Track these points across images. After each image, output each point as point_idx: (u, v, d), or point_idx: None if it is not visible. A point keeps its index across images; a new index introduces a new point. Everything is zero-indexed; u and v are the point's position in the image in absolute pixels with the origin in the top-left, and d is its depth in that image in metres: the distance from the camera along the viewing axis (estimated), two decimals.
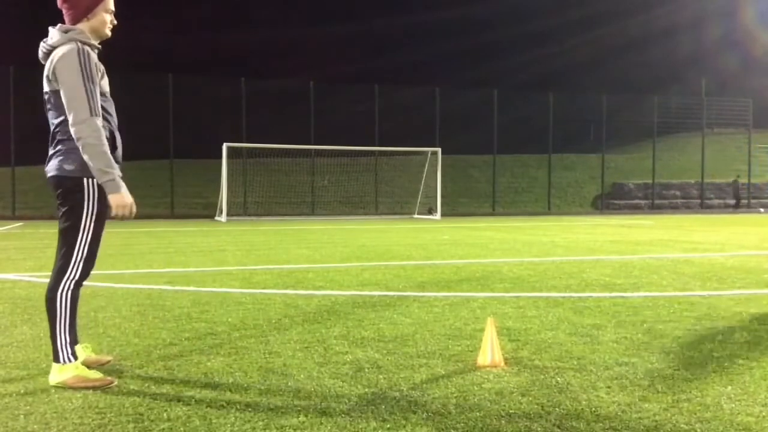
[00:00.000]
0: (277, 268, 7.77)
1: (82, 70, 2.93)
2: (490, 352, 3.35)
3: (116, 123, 3.22)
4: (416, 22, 63.93)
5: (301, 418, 2.60)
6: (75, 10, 3.08)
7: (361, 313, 4.76)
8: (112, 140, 3.13)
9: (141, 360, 3.48)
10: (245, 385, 3.03)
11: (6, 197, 24.70)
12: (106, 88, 3.16)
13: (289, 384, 3.05)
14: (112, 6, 3.18)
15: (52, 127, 3.07)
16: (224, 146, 22.43)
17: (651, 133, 33.41)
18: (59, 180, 3.03)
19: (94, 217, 3.07)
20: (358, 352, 3.64)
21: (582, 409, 2.71)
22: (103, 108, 3.09)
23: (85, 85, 2.92)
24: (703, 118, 34.55)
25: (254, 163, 27.60)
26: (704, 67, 45.95)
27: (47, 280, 3.12)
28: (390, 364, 3.38)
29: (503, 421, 2.56)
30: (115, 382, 3.04)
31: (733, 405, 2.75)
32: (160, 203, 26.71)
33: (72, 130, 2.93)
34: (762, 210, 32.18)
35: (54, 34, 3.04)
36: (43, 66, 3.06)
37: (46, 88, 3.04)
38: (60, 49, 2.98)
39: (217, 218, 22.85)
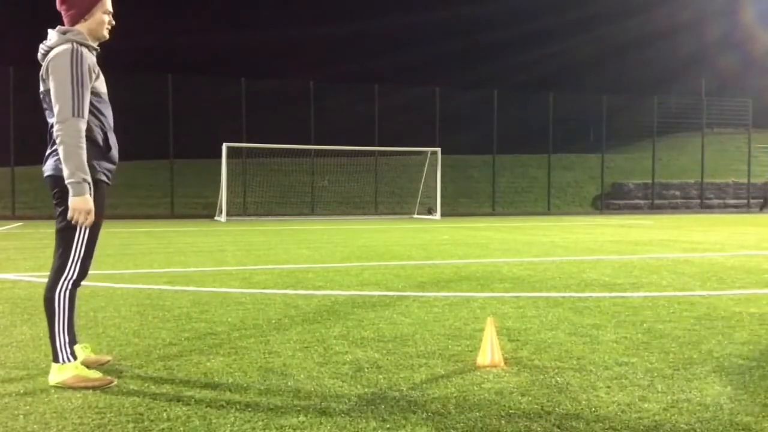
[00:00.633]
0: (276, 268, 7.77)
1: (71, 71, 2.94)
2: (489, 352, 3.35)
3: (112, 124, 3.22)
4: (416, 22, 63.99)
5: (301, 418, 2.60)
6: (73, 11, 3.09)
7: (360, 313, 4.76)
8: (105, 141, 3.13)
9: (141, 360, 3.48)
10: (245, 385, 3.03)
11: (6, 197, 24.70)
12: (103, 89, 3.16)
13: (289, 384, 3.05)
14: (110, 7, 3.18)
15: (48, 127, 3.08)
16: (224, 146, 22.42)
17: (651, 133, 33.40)
18: (55, 180, 3.03)
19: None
20: (357, 352, 3.64)
21: (582, 409, 2.71)
22: (97, 109, 3.10)
23: (72, 86, 2.93)
24: (703, 118, 34.53)
25: (254, 163, 27.58)
26: (704, 67, 46.05)
27: (46, 280, 3.12)
28: (390, 364, 3.38)
29: (503, 421, 2.56)
30: (115, 382, 3.04)
31: (733, 405, 2.75)
32: (160, 203, 26.72)
33: (54, 128, 2.95)
34: None
35: (52, 35, 3.06)
36: (41, 67, 3.08)
37: (41, 87, 3.07)
38: (55, 50, 3.00)
39: (216, 218, 22.84)
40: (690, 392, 2.92)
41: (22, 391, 2.94)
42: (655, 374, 3.20)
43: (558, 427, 2.50)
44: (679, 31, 55.56)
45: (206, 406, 2.73)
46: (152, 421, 2.56)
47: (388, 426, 2.51)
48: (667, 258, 8.83)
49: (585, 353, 3.60)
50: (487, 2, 60.01)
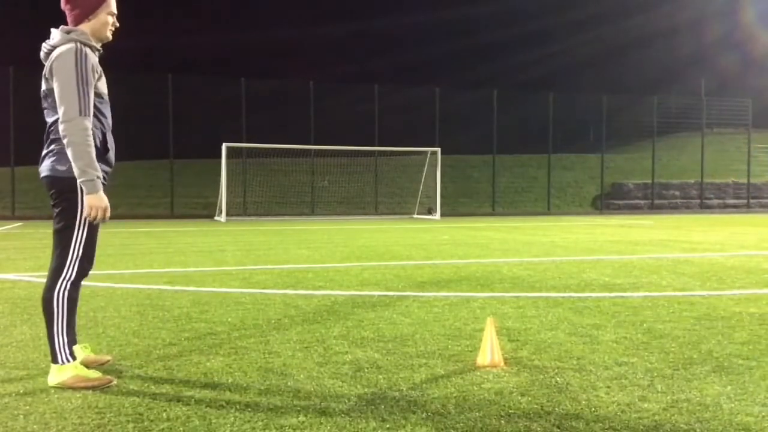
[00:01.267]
0: (276, 268, 7.77)
1: (76, 70, 2.93)
2: (489, 352, 3.35)
3: (110, 125, 3.22)
4: (416, 22, 64.04)
5: (301, 418, 2.60)
6: (78, 10, 3.09)
7: (360, 313, 4.76)
8: (103, 143, 3.12)
9: (140, 360, 3.48)
10: (245, 385, 3.03)
11: (6, 197, 24.69)
12: (104, 89, 3.16)
13: (289, 384, 3.05)
14: (114, 8, 3.18)
15: (46, 126, 3.07)
16: (224, 146, 22.41)
17: (651, 133, 33.38)
18: (52, 180, 3.03)
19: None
20: (357, 352, 3.64)
21: (581, 409, 2.71)
22: (98, 110, 3.10)
23: (77, 85, 2.93)
24: (703, 118, 34.52)
25: (254, 163, 27.57)
26: (704, 67, 46.06)
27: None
28: (389, 364, 3.38)
29: (503, 421, 2.56)
30: (115, 382, 3.04)
31: (733, 405, 2.75)
32: (160, 203, 26.71)
33: (60, 128, 2.94)
34: None
35: (56, 34, 3.06)
36: (43, 66, 3.07)
37: (43, 86, 3.06)
38: (59, 49, 2.99)
39: (216, 218, 22.84)
40: (690, 392, 2.92)
41: (22, 391, 2.93)
42: (655, 374, 3.20)
43: (558, 427, 2.50)
44: (679, 31, 55.65)
45: (206, 406, 2.73)
46: (152, 421, 2.56)
47: (388, 426, 2.51)
48: (667, 258, 8.83)
49: (585, 353, 3.60)
50: (487, 2, 60.13)
